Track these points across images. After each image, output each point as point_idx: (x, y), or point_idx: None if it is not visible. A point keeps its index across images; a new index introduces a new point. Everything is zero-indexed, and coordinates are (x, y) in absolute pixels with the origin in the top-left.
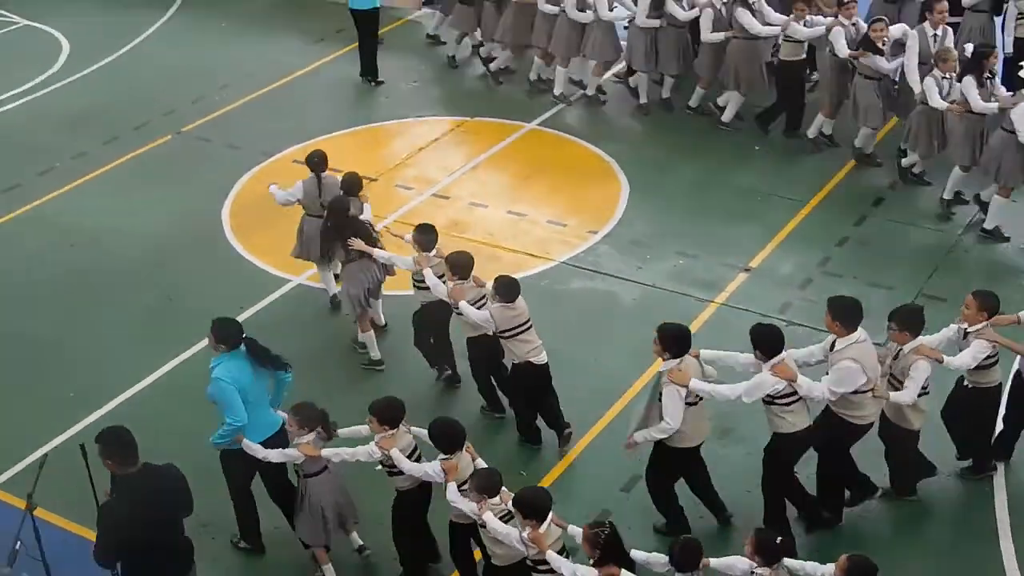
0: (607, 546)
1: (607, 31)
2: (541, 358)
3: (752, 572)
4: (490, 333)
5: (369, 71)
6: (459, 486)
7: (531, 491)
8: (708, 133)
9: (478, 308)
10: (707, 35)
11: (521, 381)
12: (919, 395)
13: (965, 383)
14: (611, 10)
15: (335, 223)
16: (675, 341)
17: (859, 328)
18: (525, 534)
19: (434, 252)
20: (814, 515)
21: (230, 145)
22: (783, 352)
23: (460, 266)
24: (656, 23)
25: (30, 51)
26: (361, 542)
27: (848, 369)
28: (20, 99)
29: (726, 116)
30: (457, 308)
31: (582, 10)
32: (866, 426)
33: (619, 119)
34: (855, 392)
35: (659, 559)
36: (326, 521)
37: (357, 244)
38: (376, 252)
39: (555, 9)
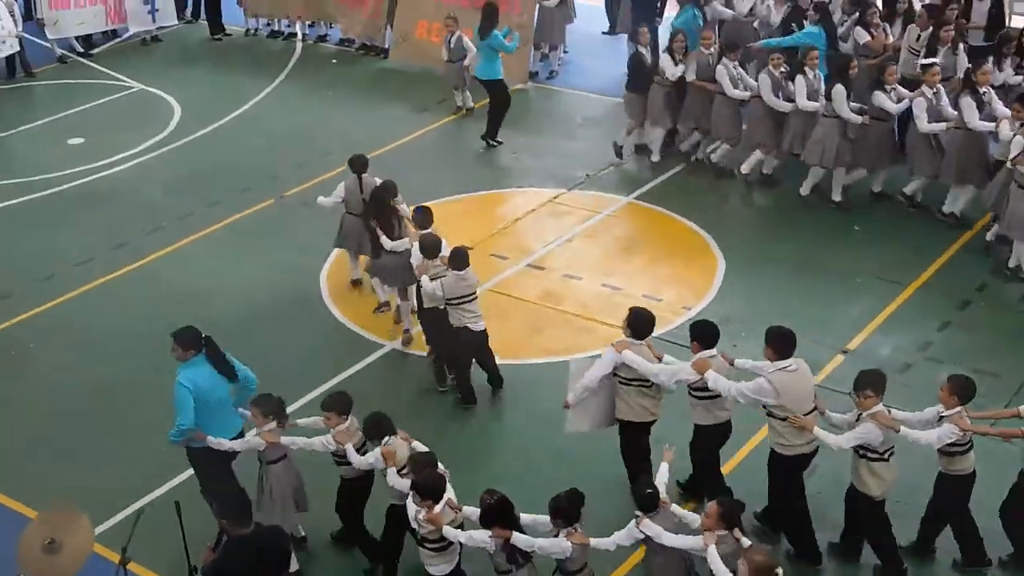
0: (494, 511)
1: (807, 120)
2: (478, 326)
3: (635, 521)
4: (439, 303)
5: (488, 133)
6: (399, 471)
7: (429, 474)
8: (807, 212)
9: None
10: (925, 126)
11: (460, 342)
12: (876, 460)
13: (939, 469)
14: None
15: (373, 206)
16: (640, 326)
17: (793, 358)
18: (421, 515)
19: (430, 230)
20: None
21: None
22: (714, 350)
23: (428, 247)
24: (860, 119)
25: (145, 115)
26: (303, 533)
27: (760, 384)
28: (133, 160)
29: (948, 208)
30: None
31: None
32: (791, 458)
33: (716, 195)
34: (773, 416)
35: (543, 519)
36: (285, 506)
37: (376, 223)
38: (383, 239)
39: (745, 95)
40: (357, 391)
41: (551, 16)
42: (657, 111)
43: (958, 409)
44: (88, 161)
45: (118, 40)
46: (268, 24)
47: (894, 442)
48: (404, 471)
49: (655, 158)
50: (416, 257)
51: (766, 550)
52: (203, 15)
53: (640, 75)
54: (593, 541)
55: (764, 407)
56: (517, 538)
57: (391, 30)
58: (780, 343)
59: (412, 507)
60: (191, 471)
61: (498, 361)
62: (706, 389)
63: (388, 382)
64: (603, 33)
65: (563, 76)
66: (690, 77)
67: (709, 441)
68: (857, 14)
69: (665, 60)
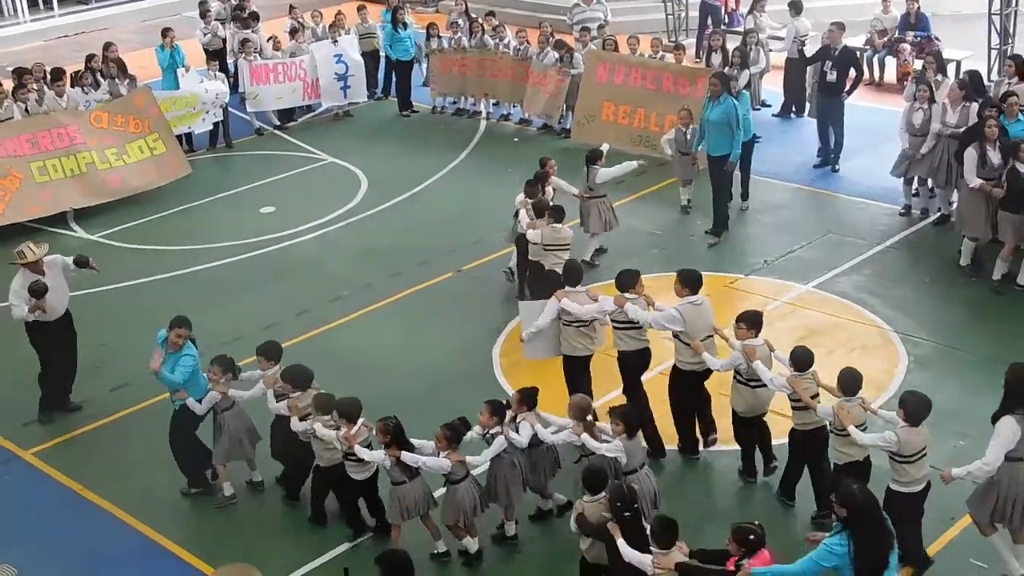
0: (394, 433)
1: None
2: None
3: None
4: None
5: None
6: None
7: (347, 400)
8: (996, 307)
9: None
10: None
11: (546, 282)
12: (742, 384)
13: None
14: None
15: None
16: (571, 275)
17: (699, 293)
18: (341, 433)
19: (541, 196)
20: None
21: (506, 286)
22: (631, 291)
23: (537, 208)
24: None
25: (333, 186)
26: (260, 478)
27: (670, 313)
28: (320, 229)
29: None
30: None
31: None
32: (687, 372)
33: (899, 285)
34: (678, 339)
35: (429, 443)
36: (242, 443)
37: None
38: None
39: None
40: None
41: None
42: None
43: (797, 373)
44: (278, 229)
45: (312, 115)
46: (454, 102)
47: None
48: (308, 416)
49: None
50: (524, 218)
51: (583, 396)
52: (393, 92)
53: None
54: (468, 458)
55: (673, 333)
56: (405, 456)
57: (571, 111)
58: (691, 282)
59: (328, 432)
60: (358, 539)
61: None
62: (626, 321)
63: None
64: (773, 115)
65: None
66: None
67: (632, 364)
68: None
69: None
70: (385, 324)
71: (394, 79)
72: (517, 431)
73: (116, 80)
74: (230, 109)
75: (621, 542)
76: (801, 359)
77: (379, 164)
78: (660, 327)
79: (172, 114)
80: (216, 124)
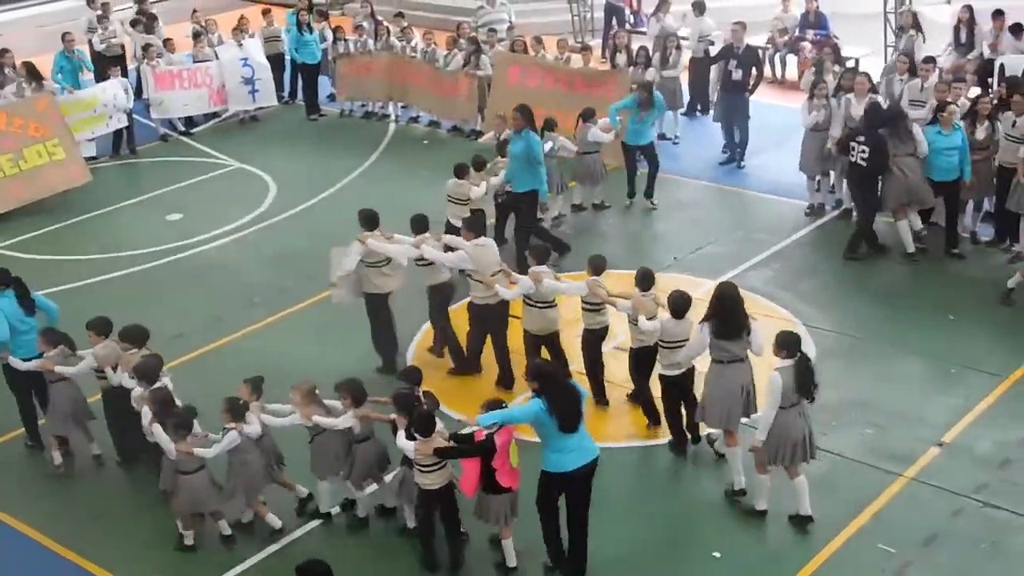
0: (158, 404)
1: None
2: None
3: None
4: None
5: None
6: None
7: (145, 360)
8: (903, 299)
9: None
10: None
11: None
12: (532, 306)
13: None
14: None
15: None
16: (367, 221)
17: (483, 237)
18: (136, 393)
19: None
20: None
21: (421, 290)
22: (427, 233)
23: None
24: None
25: (241, 192)
26: (99, 451)
27: (461, 255)
28: (230, 236)
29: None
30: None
31: None
32: (481, 306)
33: (806, 281)
34: (470, 277)
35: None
36: (67, 416)
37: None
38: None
39: None
40: None
41: None
42: None
43: (595, 278)
44: (185, 236)
45: (218, 120)
46: (363, 105)
47: (548, 296)
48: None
49: None
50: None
51: (305, 381)
52: (299, 96)
53: None
54: (196, 450)
55: (466, 273)
56: (156, 431)
57: (480, 112)
58: (475, 227)
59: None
60: (273, 547)
61: None
62: (426, 261)
63: None
64: (682, 114)
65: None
66: None
67: (439, 299)
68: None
69: None
70: (299, 328)
71: (300, 83)
72: None
73: (24, 83)
74: (134, 116)
75: (400, 434)
76: (597, 265)
77: (287, 168)
78: (454, 266)
79: (73, 118)
80: (120, 131)
